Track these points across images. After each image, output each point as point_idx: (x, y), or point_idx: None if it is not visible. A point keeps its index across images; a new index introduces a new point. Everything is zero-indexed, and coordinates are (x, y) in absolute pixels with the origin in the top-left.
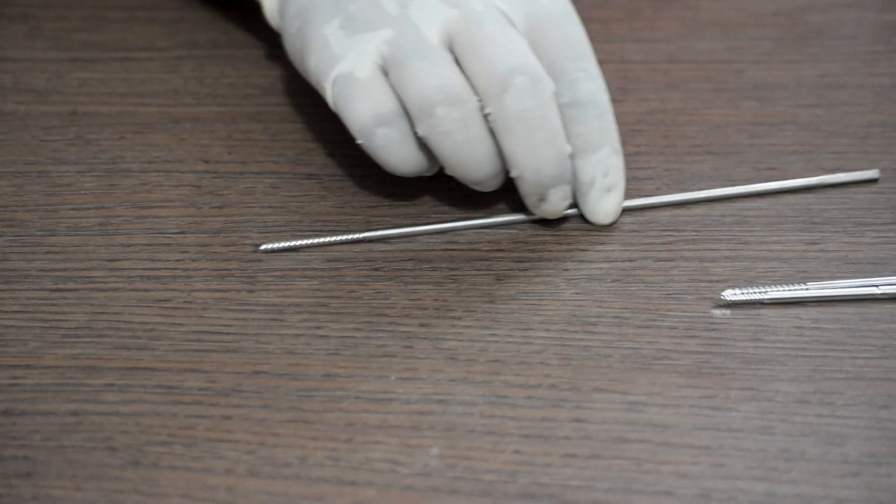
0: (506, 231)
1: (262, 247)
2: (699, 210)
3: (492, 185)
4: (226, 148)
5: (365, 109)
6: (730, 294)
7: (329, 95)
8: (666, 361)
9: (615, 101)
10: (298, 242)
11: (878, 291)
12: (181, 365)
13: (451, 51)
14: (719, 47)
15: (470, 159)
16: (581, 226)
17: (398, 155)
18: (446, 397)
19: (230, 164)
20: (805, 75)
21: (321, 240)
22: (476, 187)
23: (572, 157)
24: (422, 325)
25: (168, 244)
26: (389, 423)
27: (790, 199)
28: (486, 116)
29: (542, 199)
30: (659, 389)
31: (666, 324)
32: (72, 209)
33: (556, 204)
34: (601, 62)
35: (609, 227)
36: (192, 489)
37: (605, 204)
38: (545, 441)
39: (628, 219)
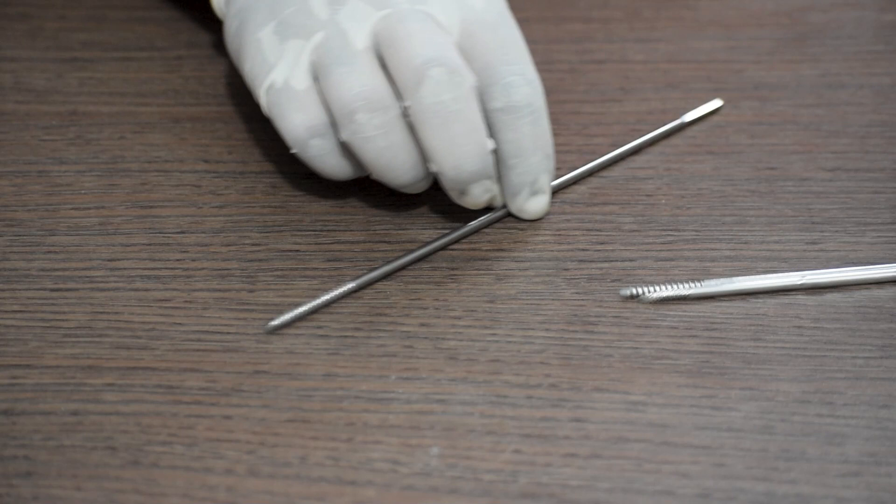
0: (506, 231)
1: (271, 324)
2: (699, 210)
3: (418, 188)
4: (226, 148)
5: (298, 121)
6: (626, 291)
7: (263, 103)
8: (666, 361)
9: (615, 101)
10: (303, 309)
11: (801, 281)
12: (181, 365)
13: (378, 53)
14: (719, 47)
15: (392, 164)
16: (582, 226)
17: (331, 164)
18: (446, 397)
19: (230, 164)
20: (805, 75)
21: (322, 299)
22: (403, 190)
23: (494, 151)
24: (422, 325)
25: (168, 244)
26: (389, 422)
27: (790, 198)
28: (405, 112)
29: (463, 193)
30: (659, 389)
31: (666, 324)
32: (72, 209)
33: (477, 197)
34: (601, 62)
35: (610, 226)
36: (192, 489)
37: (531, 205)
38: (545, 441)
39: (628, 219)
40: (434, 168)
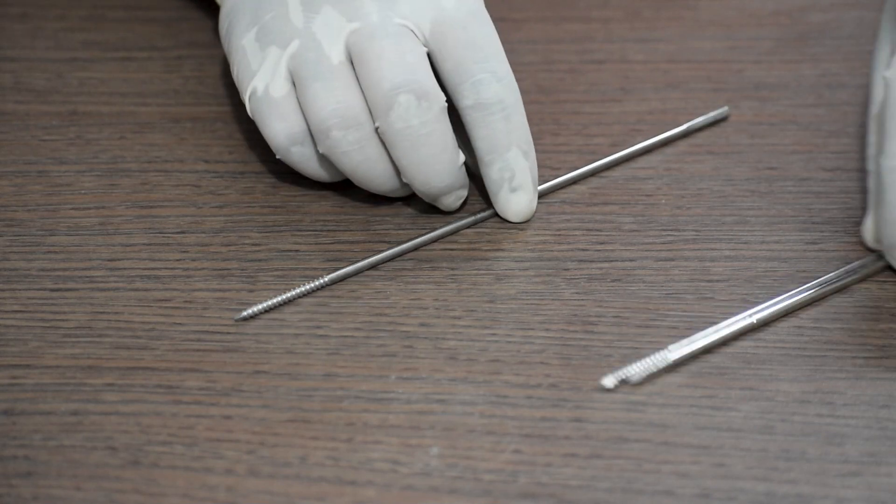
0: (506, 231)
1: (241, 314)
2: (699, 210)
3: (399, 194)
4: (226, 148)
5: (279, 129)
6: (609, 381)
7: (248, 108)
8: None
9: (615, 101)
10: (273, 301)
11: (754, 320)
12: (181, 365)
13: (353, 65)
14: (719, 47)
15: (370, 177)
16: (582, 226)
17: (315, 169)
18: (446, 397)
19: (230, 164)
20: (805, 75)
21: (290, 294)
22: (389, 195)
23: (472, 162)
24: (422, 325)
25: (168, 244)
26: (389, 422)
27: (790, 198)
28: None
29: (434, 200)
30: (659, 389)
31: (666, 324)
32: (72, 209)
33: (450, 205)
34: (601, 62)
35: (610, 226)
36: (192, 489)
37: (513, 204)
38: (545, 441)
39: (628, 219)
40: (406, 180)
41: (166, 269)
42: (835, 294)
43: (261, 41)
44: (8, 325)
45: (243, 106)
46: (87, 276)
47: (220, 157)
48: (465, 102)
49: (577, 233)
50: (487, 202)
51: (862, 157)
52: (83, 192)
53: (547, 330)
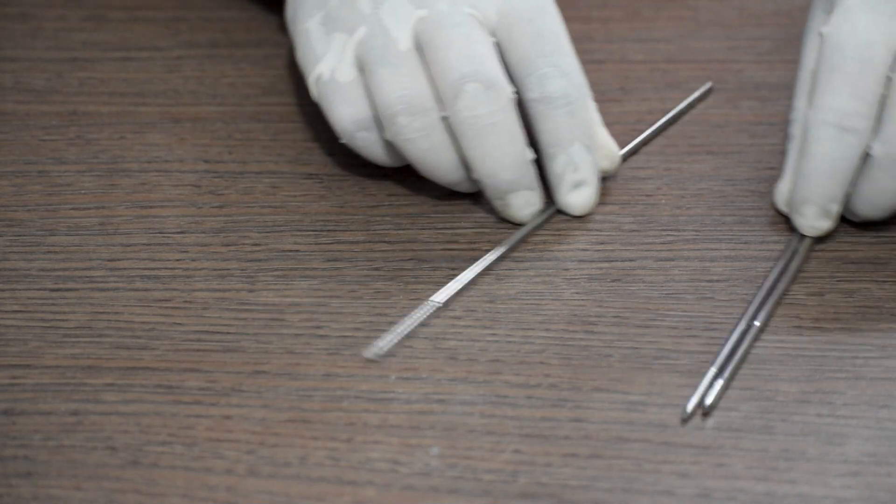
0: (506, 231)
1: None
2: (699, 210)
3: (465, 188)
4: (226, 148)
5: (345, 114)
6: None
7: (313, 93)
8: (666, 361)
9: (615, 101)
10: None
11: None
12: (181, 365)
13: (421, 52)
14: (719, 47)
15: (436, 165)
16: (581, 226)
17: (379, 154)
18: (446, 397)
19: (230, 164)
20: None
21: (412, 321)
22: (454, 188)
23: (538, 161)
24: (422, 325)
25: (168, 244)
26: (389, 422)
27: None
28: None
29: (504, 203)
30: (659, 389)
31: (666, 324)
32: (72, 209)
33: (518, 209)
34: (601, 62)
35: (610, 226)
36: (192, 489)
37: (575, 198)
38: (545, 441)
39: (628, 219)
40: (474, 176)
41: (166, 269)
42: (834, 292)
43: (327, 26)
44: (8, 325)
45: (243, 106)
46: (87, 276)
47: (220, 157)
48: (529, 95)
49: (577, 233)
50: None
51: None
52: (83, 192)
53: (547, 330)
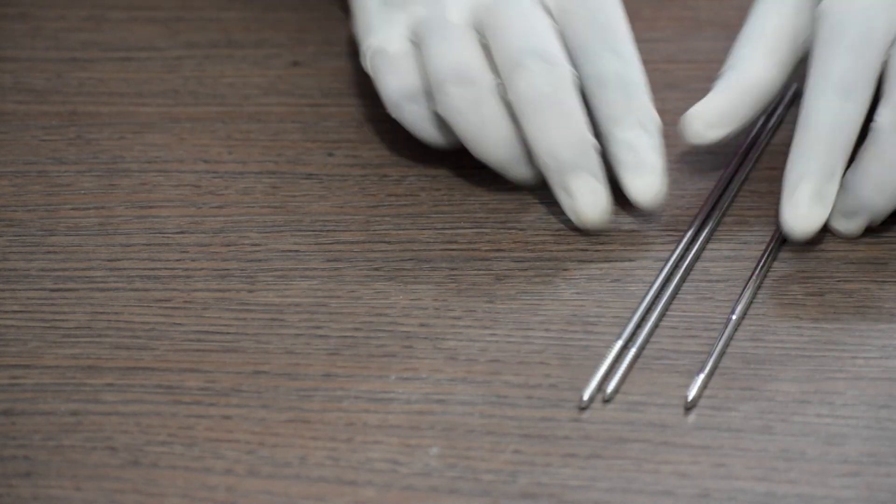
0: (506, 231)
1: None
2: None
3: (519, 172)
4: (226, 148)
5: (393, 84)
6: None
7: (365, 64)
8: (666, 361)
9: None
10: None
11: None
12: (181, 365)
13: (478, 30)
14: (719, 47)
15: (483, 140)
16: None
17: (428, 130)
18: (446, 397)
19: (230, 164)
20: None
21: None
22: (508, 175)
23: (598, 150)
24: (422, 325)
25: (168, 244)
26: (389, 422)
27: None
28: (501, 91)
29: (566, 192)
30: (659, 389)
31: (666, 324)
32: (72, 209)
33: (583, 198)
34: None
35: (610, 226)
36: (192, 489)
37: (638, 184)
38: (545, 441)
39: (628, 219)
40: (535, 159)
41: (166, 269)
42: (833, 292)
43: (386, 4)
44: (8, 325)
45: (243, 106)
46: (86, 277)
47: (219, 157)
48: (588, 81)
49: (576, 233)
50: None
51: None
52: (83, 192)
53: (546, 330)
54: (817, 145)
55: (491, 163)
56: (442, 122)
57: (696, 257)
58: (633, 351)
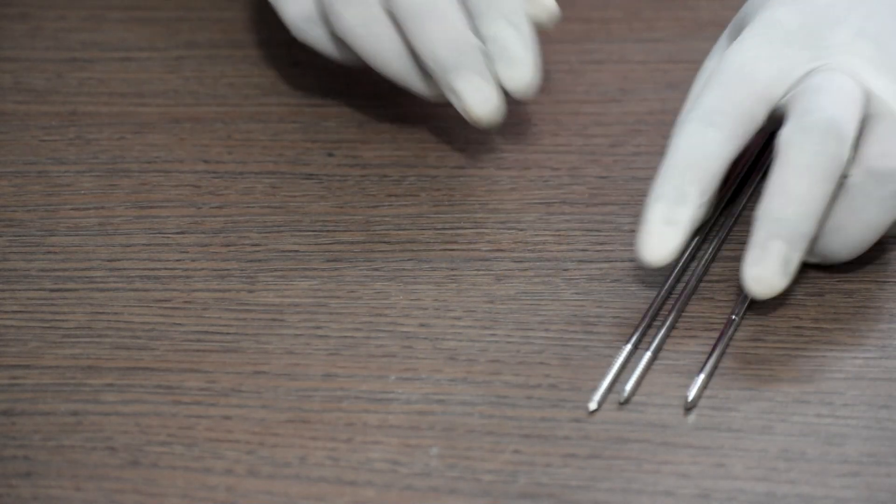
0: (506, 231)
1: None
2: None
3: (420, 87)
4: (226, 148)
5: (292, 10)
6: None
7: None
8: (666, 361)
9: (615, 101)
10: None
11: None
12: (181, 365)
13: None
14: None
15: (379, 55)
16: (581, 226)
17: (331, 49)
18: (446, 397)
19: (230, 164)
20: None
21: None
22: (413, 90)
23: (483, 49)
24: (422, 325)
25: (168, 244)
26: (389, 423)
27: None
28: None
29: (454, 93)
30: (659, 389)
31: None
32: (72, 209)
33: (469, 97)
34: (601, 62)
35: (610, 226)
36: (192, 489)
37: (506, 76)
38: (545, 441)
39: (628, 219)
40: (421, 63)
41: (166, 269)
42: (833, 292)
43: None
44: (8, 326)
45: (243, 106)
46: (86, 277)
47: (219, 157)
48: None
49: (576, 233)
50: None
51: None
52: (83, 192)
53: (546, 330)
54: (672, 169)
55: (391, 77)
56: (342, 42)
57: (713, 257)
58: (647, 355)
